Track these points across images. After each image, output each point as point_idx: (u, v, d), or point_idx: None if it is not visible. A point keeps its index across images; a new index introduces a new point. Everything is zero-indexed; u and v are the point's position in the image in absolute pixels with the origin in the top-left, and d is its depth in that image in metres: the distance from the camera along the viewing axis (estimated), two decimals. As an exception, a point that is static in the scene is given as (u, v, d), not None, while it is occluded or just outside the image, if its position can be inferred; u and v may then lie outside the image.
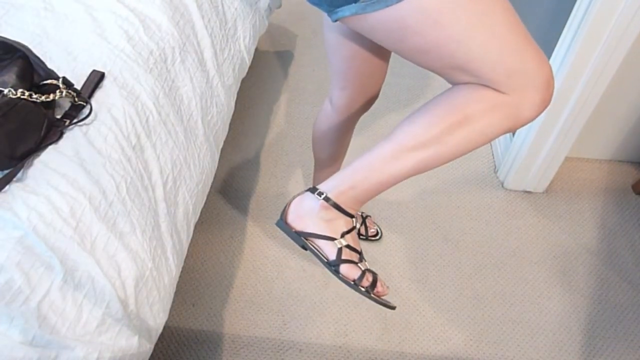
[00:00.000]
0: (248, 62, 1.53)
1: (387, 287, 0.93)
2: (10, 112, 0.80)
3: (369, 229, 1.52)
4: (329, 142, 1.27)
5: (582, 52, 1.27)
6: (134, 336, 0.87)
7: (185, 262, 1.11)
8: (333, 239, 0.90)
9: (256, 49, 1.65)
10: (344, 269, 0.90)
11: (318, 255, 0.92)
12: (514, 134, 1.63)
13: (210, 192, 1.27)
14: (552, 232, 1.57)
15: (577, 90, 1.35)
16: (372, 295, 0.89)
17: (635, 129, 1.65)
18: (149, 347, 0.93)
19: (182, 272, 1.20)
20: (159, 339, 0.99)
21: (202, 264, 1.46)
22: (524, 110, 0.77)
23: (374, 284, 0.90)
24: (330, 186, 0.88)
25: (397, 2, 0.72)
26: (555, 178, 1.66)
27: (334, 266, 0.91)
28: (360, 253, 0.92)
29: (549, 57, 1.41)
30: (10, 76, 0.84)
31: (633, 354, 1.32)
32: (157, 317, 0.94)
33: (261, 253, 1.49)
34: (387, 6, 0.73)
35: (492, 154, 1.80)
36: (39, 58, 0.90)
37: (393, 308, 0.92)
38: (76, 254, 0.79)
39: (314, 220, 0.90)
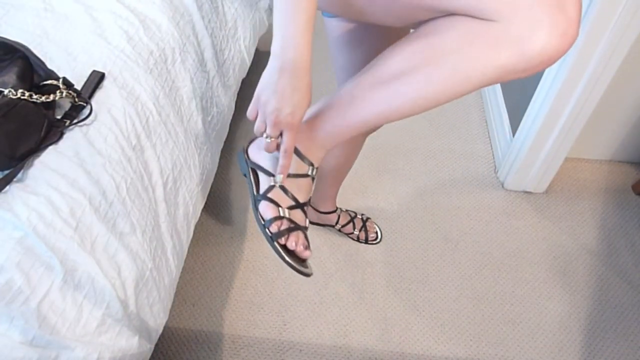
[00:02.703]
0: (248, 63, 1.53)
1: (308, 250, 0.84)
2: (10, 113, 0.80)
3: (369, 232, 1.52)
4: (340, 145, 1.10)
5: (583, 52, 1.27)
6: (134, 336, 0.87)
7: (185, 262, 1.11)
8: (272, 175, 0.85)
9: (256, 50, 1.65)
10: (262, 206, 0.84)
11: (250, 185, 0.88)
12: (514, 134, 1.64)
13: (210, 192, 1.27)
14: (552, 233, 1.57)
15: (578, 91, 1.35)
16: (274, 244, 0.81)
17: (635, 130, 1.65)
18: (149, 347, 0.93)
19: (182, 272, 1.20)
20: (159, 339, 0.99)
21: (202, 264, 1.46)
22: (523, 40, 0.56)
23: (283, 234, 0.81)
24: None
25: None
26: (555, 178, 1.66)
27: (257, 200, 0.86)
28: (299, 204, 0.85)
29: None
30: (11, 77, 0.84)
31: (633, 354, 1.32)
32: (157, 318, 0.94)
33: (261, 253, 1.49)
34: None
35: (492, 155, 1.80)
36: (39, 58, 0.90)
37: (304, 274, 0.83)
38: (76, 254, 0.79)
39: (269, 155, 0.87)
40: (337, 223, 1.50)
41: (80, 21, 1.10)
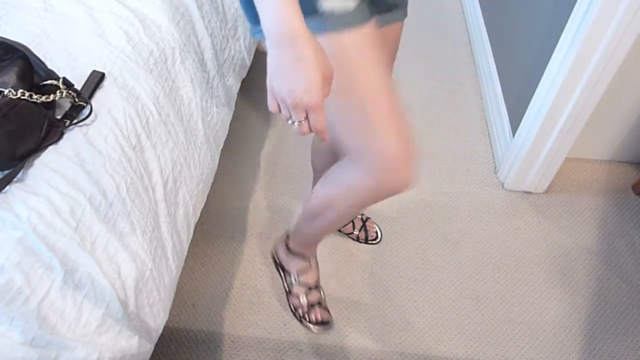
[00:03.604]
0: (248, 63, 1.53)
1: (325, 315, 1.26)
2: (10, 113, 0.80)
3: (368, 232, 1.52)
4: (328, 157, 1.25)
5: (583, 52, 1.27)
6: (134, 337, 0.87)
7: (185, 262, 1.11)
8: (288, 273, 1.28)
9: (256, 50, 1.65)
10: (290, 298, 1.30)
11: (281, 280, 1.32)
12: (514, 134, 1.64)
13: (210, 192, 1.27)
14: (552, 233, 1.57)
15: (578, 91, 1.35)
16: (303, 324, 1.27)
17: (635, 130, 1.65)
18: (149, 347, 0.93)
19: (182, 272, 1.19)
20: (159, 339, 0.99)
21: (202, 265, 1.46)
22: (375, 187, 0.85)
23: (309, 312, 1.26)
24: (291, 231, 1.23)
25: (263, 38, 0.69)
26: (555, 178, 1.66)
27: (286, 293, 1.31)
28: (312, 287, 1.26)
29: (549, 58, 1.41)
30: (11, 77, 0.84)
31: (633, 354, 1.32)
32: (157, 318, 0.94)
33: (261, 253, 1.49)
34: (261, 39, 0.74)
35: (492, 155, 1.80)
36: (39, 58, 0.90)
37: (328, 329, 1.27)
38: (76, 254, 0.79)
39: (284, 254, 1.27)
40: (337, 223, 1.51)
41: (80, 21, 1.10)
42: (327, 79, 0.65)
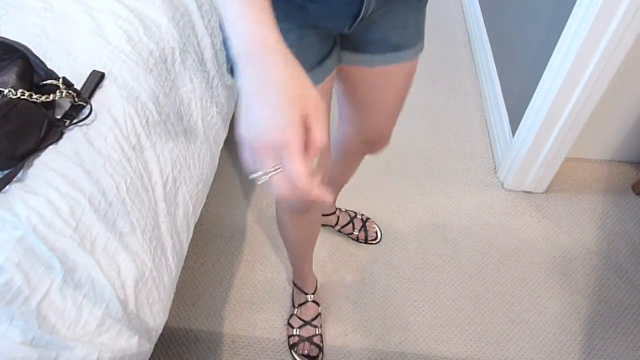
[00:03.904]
0: (248, 63, 1.52)
1: (313, 351, 1.28)
2: (10, 113, 0.80)
3: (368, 232, 1.52)
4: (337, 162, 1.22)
5: (583, 53, 1.27)
6: (134, 336, 0.87)
7: (185, 262, 1.11)
8: (294, 305, 1.37)
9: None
10: (288, 327, 1.34)
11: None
12: (514, 134, 1.64)
13: (210, 192, 1.27)
14: (552, 233, 1.57)
15: (578, 91, 1.35)
16: (290, 352, 1.30)
17: (635, 130, 1.65)
18: (149, 347, 0.93)
19: (182, 272, 1.19)
20: (159, 339, 0.99)
21: (202, 265, 1.46)
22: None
23: (298, 344, 1.29)
24: None
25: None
26: (556, 178, 1.66)
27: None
28: (307, 322, 1.31)
29: (549, 58, 1.41)
30: (11, 77, 0.84)
31: (633, 354, 1.32)
32: (157, 318, 0.94)
33: (261, 253, 1.49)
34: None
35: (492, 155, 1.80)
36: (39, 58, 0.90)
37: None
38: (76, 254, 0.79)
39: (294, 287, 1.38)
40: (337, 224, 1.50)
41: (80, 21, 1.10)
42: (313, 111, 0.46)
